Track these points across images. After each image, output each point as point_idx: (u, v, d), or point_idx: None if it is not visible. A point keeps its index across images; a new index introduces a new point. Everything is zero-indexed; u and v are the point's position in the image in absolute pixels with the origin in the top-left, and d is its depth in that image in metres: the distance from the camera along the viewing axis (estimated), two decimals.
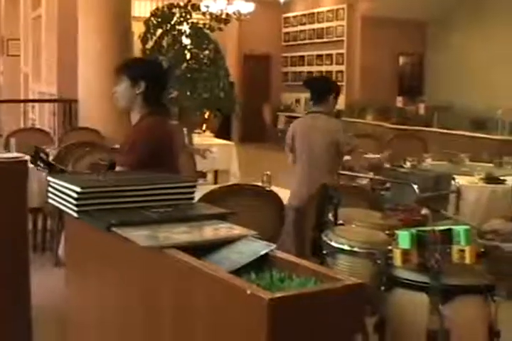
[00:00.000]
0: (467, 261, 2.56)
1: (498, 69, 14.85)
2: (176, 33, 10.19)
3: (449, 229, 2.58)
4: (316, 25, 18.92)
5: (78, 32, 9.67)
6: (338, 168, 5.91)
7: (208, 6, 13.60)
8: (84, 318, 2.86)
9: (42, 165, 3.84)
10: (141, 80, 3.96)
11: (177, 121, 10.37)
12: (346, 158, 6.06)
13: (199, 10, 11.38)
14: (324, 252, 2.97)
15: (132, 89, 3.97)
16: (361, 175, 6.12)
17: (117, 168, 3.84)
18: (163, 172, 3.43)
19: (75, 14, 9.74)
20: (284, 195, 5.51)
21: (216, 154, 9.45)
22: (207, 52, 10.26)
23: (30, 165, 3.96)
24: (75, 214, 2.67)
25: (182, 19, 10.31)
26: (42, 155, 3.87)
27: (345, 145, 5.80)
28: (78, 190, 2.65)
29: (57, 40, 11.73)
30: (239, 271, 2.18)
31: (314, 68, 18.95)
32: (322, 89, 5.99)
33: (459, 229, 2.58)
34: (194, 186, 2.89)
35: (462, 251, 2.56)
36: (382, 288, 2.73)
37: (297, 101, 19.38)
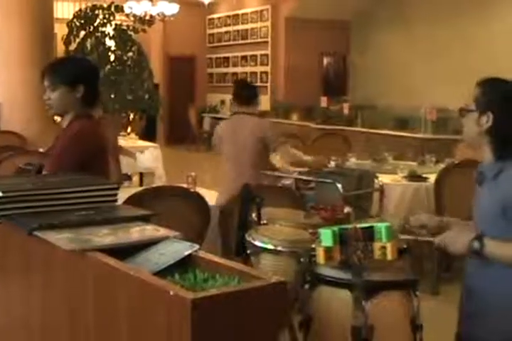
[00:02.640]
0: (389, 257, 2.60)
1: (419, 69, 15.11)
2: (99, 34, 10.15)
3: (371, 227, 2.62)
4: (240, 27, 18.98)
5: None
6: (267, 167, 5.96)
7: (131, 8, 13.54)
8: (8, 322, 2.83)
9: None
10: (79, 84, 3.77)
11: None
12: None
13: (122, 11, 11.33)
14: (248, 252, 2.98)
15: (71, 94, 3.79)
16: (285, 175, 6.16)
17: (44, 172, 3.70)
18: (94, 174, 3.41)
19: None
20: (209, 195, 5.53)
21: (142, 156, 9.41)
22: (130, 54, 10.25)
23: None
24: None
25: (105, 21, 10.27)
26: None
27: (272, 142, 5.88)
28: None
29: None
30: (163, 272, 2.19)
31: (239, 69, 19.02)
32: (250, 94, 6.12)
33: (381, 226, 2.62)
34: (117, 188, 2.87)
35: (384, 247, 2.60)
36: (307, 286, 2.75)
37: (222, 102, 19.42)
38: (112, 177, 4.40)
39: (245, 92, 6.16)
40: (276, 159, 6.16)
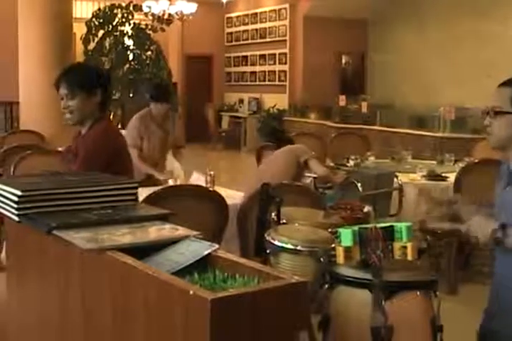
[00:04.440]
0: (409, 257, 2.58)
1: (437, 67, 15.06)
2: (117, 33, 10.17)
3: (391, 226, 2.60)
4: (258, 25, 18.98)
5: (18, 33, 9.56)
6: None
7: (149, 7, 13.56)
8: (26, 321, 2.84)
9: None
10: (96, 89, 3.82)
11: (120, 122, 10.34)
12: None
13: (141, 10, 11.35)
14: (267, 251, 2.97)
15: (90, 100, 3.82)
16: (305, 174, 6.16)
17: None
18: (120, 173, 3.46)
19: (15, 15, 9.62)
20: (228, 194, 5.52)
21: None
22: (149, 53, 10.26)
23: None
24: (16, 218, 2.64)
25: (124, 20, 10.29)
26: None
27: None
28: (19, 193, 2.62)
29: None
30: (182, 272, 2.18)
31: (257, 68, 19.02)
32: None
33: (401, 225, 2.60)
34: (136, 187, 2.87)
35: (404, 247, 2.58)
36: (326, 285, 2.74)
37: (240, 101, 19.41)
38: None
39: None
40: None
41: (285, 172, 5.83)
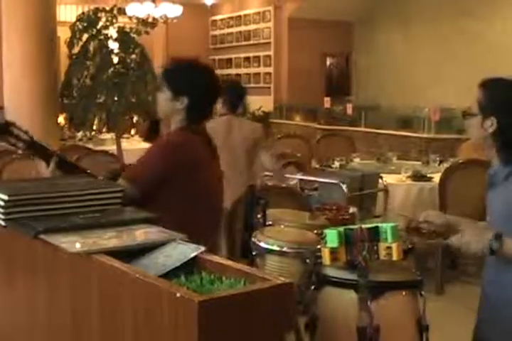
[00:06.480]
0: (394, 257, 2.59)
1: (422, 68, 15.11)
2: (102, 37, 10.13)
3: (376, 227, 2.62)
4: (243, 28, 18.97)
5: (2, 37, 9.53)
6: (258, 168, 5.99)
7: (134, 10, 13.55)
8: (14, 325, 2.84)
9: (13, 141, 3.31)
10: (183, 95, 3.47)
11: (105, 126, 10.32)
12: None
13: (125, 14, 11.33)
14: (254, 253, 2.98)
15: (172, 103, 3.49)
16: (291, 176, 6.17)
17: (119, 181, 3.34)
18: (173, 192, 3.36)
19: None
20: None
21: None
22: (134, 56, 10.24)
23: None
24: (2, 223, 2.64)
25: (108, 23, 10.26)
26: (14, 130, 3.31)
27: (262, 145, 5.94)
28: (5, 198, 2.63)
29: None
30: (168, 275, 2.19)
31: (242, 70, 19.01)
32: (237, 95, 6.13)
33: (386, 226, 2.61)
34: (121, 191, 2.88)
35: (389, 248, 2.59)
36: (312, 287, 2.75)
37: None
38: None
39: (232, 94, 6.13)
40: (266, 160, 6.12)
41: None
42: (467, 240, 2.81)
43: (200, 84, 3.56)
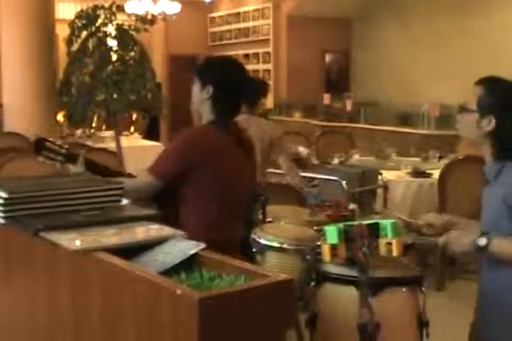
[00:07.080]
0: (394, 253, 2.59)
1: (421, 64, 15.08)
2: (101, 34, 10.11)
3: (376, 223, 2.62)
4: (242, 25, 18.94)
5: (1, 34, 9.52)
6: (269, 166, 5.96)
7: (132, 7, 13.55)
8: (14, 323, 2.84)
9: (51, 155, 3.41)
10: (208, 85, 3.54)
11: (105, 123, 10.31)
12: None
13: (124, 11, 11.32)
14: (254, 250, 2.99)
15: (201, 93, 3.56)
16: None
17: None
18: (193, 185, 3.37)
19: None
20: None
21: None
22: (132, 53, 10.21)
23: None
24: (2, 221, 2.64)
25: (107, 21, 10.24)
26: (47, 144, 3.41)
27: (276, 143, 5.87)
28: (5, 195, 2.62)
29: None
30: (169, 272, 2.19)
31: None
32: (257, 93, 6.06)
33: (386, 222, 2.62)
34: (121, 188, 2.88)
35: (389, 244, 2.59)
36: (312, 283, 2.76)
37: None
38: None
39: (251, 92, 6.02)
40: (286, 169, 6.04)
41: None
42: (450, 241, 2.82)
43: (225, 74, 3.61)
